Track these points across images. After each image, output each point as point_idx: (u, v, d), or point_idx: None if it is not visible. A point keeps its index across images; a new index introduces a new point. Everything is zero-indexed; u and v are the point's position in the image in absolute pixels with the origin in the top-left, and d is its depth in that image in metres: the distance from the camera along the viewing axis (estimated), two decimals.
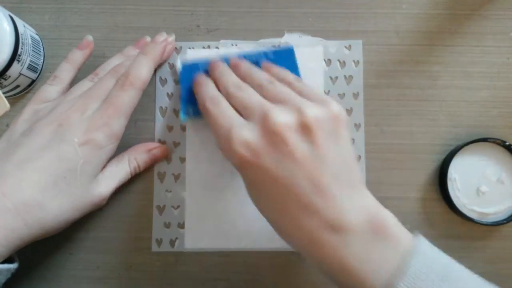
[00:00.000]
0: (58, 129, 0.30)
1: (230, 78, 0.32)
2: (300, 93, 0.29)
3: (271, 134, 0.26)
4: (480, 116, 0.38)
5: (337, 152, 0.26)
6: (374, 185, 0.37)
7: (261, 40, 0.39)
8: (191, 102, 0.35)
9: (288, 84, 0.30)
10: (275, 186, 0.26)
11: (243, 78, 0.32)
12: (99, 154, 0.31)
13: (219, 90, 0.32)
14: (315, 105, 0.27)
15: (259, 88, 0.30)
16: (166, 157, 0.38)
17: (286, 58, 0.36)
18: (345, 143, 0.27)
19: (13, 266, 0.29)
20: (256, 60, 0.35)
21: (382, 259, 0.24)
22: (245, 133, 0.26)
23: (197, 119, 0.36)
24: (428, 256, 0.24)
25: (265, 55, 0.36)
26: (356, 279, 0.24)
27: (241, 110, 0.29)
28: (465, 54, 0.39)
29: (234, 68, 0.34)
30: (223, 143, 0.28)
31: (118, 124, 0.32)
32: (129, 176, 0.36)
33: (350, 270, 0.24)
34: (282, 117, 0.26)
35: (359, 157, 0.38)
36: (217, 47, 0.39)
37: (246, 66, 0.33)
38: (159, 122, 0.38)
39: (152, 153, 0.37)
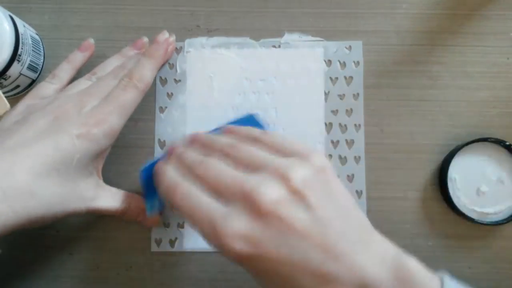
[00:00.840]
0: (54, 121, 0.30)
1: (190, 155, 0.29)
2: (273, 148, 0.27)
3: (264, 216, 0.23)
4: (480, 116, 0.38)
5: (336, 207, 0.24)
6: (374, 185, 0.37)
7: (262, 40, 0.39)
8: (155, 195, 0.32)
9: (255, 142, 0.28)
10: (285, 267, 0.23)
11: (204, 150, 0.29)
12: (94, 150, 0.31)
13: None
14: (297, 164, 0.24)
15: (225, 157, 0.27)
16: (154, 224, 0.37)
17: (250, 124, 0.32)
18: (340, 194, 0.25)
19: None
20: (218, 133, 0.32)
21: None
22: (234, 224, 0.23)
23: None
24: None
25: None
26: None
27: (216, 192, 0.25)
28: (466, 54, 0.39)
29: (192, 144, 0.31)
30: (211, 240, 0.24)
31: (117, 123, 0.31)
32: (112, 212, 0.33)
33: None
34: (268, 192, 0.23)
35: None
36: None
37: (203, 137, 0.31)
38: (159, 122, 0.38)
39: (144, 213, 0.35)
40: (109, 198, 0.33)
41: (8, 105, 0.31)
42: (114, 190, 0.34)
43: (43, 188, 0.28)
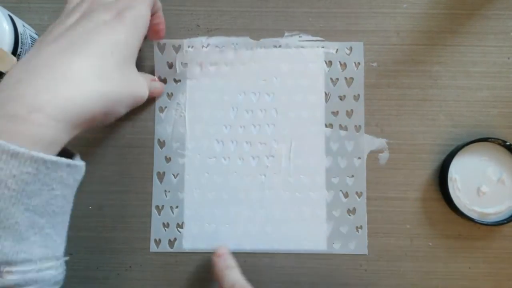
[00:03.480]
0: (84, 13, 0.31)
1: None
2: None
3: None
4: (481, 116, 0.38)
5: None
6: (374, 185, 0.37)
7: (262, 40, 0.39)
8: None
9: None
10: None
11: None
12: (134, 34, 0.31)
13: None
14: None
15: None
16: (160, 93, 0.38)
17: None
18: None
19: (79, 163, 0.27)
20: None
21: None
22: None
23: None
24: None
25: None
26: None
27: None
28: (466, 54, 0.39)
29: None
30: None
31: (144, 9, 0.32)
32: (146, 96, 0.34)
33: None
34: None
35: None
36: None
37: None
38: (159, 122, 0.38)
39: (152, 84, 0.37)
40: (145, 83, 0.34)
41: (14, 58, 0.32)
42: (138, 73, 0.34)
43: (109, 70, 0.29)
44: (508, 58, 0.38)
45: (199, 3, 0.39)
